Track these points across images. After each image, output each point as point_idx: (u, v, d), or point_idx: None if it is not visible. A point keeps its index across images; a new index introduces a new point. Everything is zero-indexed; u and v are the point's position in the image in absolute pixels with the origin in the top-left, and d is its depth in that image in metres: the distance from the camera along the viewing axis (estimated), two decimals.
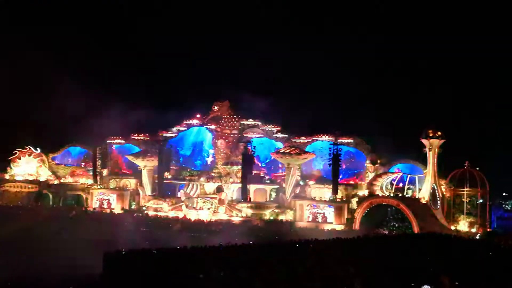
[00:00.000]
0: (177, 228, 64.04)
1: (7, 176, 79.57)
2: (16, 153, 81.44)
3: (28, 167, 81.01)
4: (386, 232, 62.63)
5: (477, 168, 65.36)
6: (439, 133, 64.62)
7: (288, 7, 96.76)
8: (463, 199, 64.74)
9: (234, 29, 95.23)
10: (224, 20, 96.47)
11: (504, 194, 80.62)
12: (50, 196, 77.66)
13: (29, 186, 77.80)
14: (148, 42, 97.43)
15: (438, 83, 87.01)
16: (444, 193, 65.72)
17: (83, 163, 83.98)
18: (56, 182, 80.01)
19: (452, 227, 62.79)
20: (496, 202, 74.20)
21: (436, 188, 64.68)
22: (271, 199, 73.72)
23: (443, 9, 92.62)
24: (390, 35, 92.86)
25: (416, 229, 61.49)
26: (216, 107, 79.78)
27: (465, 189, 64.57)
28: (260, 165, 77.99)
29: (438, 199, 64.62)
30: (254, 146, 72.26)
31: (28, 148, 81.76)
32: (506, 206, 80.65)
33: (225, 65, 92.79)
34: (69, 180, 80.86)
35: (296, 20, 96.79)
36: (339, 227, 65.02)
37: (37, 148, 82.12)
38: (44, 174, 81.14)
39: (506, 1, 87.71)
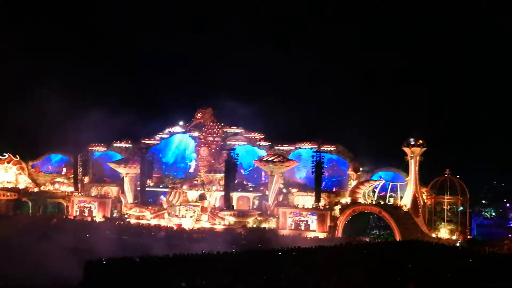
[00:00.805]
0: (162, 235, 63.51)
1: None
2: None
3: (7, 175, 79.65)
4: (368, 239, 62.92)
5: (457, 176, 66.21)
6: (421, 141, 65.38)
7: (272, 13, 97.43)
8: (443, 207, 65.45)
9: (218, 35, 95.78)
10: (210, 26, 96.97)
11: (483, 201, 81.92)
12: (30, 204, 76.44)
13: (8, 194, 76.47)
14: (131, 48, 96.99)
15: (420, 90, 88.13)
16: (425, 200, 66.37)
17: (64, 168, 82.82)
18: (36, 189, 78.81)
19: (433, 235, 63.38)
20: (476, 210, 75.30)
21: (417, 196, 65.29)
22: (254, 206, 73.63)
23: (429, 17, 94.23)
24: (374, 41, 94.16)
25: (398, 237, 62.01)
26: (199, 114, 79.49)
27: (445, 197, 65.31)
28: (243, 172, 77.91)
29: (420, 206, 65.21)
30: (237, 154, 72.24)
31: (7, 156, 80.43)
32: (486, 213, 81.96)
33: (209, 72, 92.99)
34: (49, 187, 79.70)
35: (281, 25, 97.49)
36: (322, 235, 65.18)
37: (16, 156, 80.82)
38: (24, 182, 79.89)
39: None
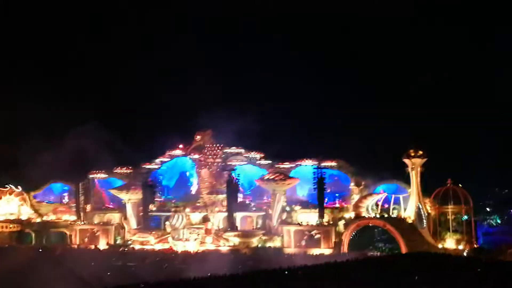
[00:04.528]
0: (179, 261, 62.80)
1: None
2: None
3: (9, 207, 79.35)
4: (375, 253, 62.47)
5: (460, 185, 66.08)
6: (421, 152, 65.40)
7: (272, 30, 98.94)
8: (448, 217, 65.17)
9: (213, 55, 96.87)
10: (207, 46, 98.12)
11: (488, 209, 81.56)
12: (33, 235, 75.99)
13: (11, 226, 76.07)
14: (129, 73, 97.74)
15: (418, 102, 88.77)
16: (429, 211, 66.10)
17: (66, 197, 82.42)
18: (38, 220, 78.42)
19: (440, 245, 62.98)
20: (481, 218, 74.89)
21: (421, 207, 65.06)
22: (258, 226, 73.25)
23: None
24: (370, 56, 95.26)
25: (403, 249, 61.59)
26: (198, 137, 79.69)
27: (449, 207, 65.07)
28: (244, 192, 77.62)
29: (424, 217, 64.93)
30: (238, 174, 72.09)
31: (8, 187, 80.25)
32: (491, 221, 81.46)
33: (207, 92, 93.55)
34: (51, 217, 79.33)
35: (278, 43, 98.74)
36: (328, 251, 64.76)
37: (18, 187, 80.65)
38: (26, 213, 79.51)
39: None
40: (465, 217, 64.64)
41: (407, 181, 67.20)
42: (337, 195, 74.87)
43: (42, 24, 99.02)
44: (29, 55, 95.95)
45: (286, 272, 37.25)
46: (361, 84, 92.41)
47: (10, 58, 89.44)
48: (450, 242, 63.77)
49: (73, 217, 77.82)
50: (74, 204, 78.53)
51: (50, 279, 49.06)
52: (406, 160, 65.69)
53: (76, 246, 73.20)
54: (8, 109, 79.04)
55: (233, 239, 68.93)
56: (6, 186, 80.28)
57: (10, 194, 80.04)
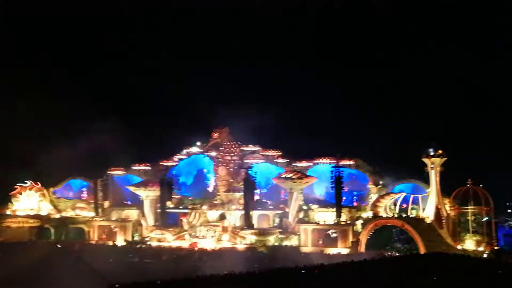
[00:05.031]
0: (195, 258, 62.99)
1: (8, 212, 78.71)
2: (16, 188, 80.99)
3: (29, 202, 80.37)
4: (392, 253, 61.85)
5: (480, 185, 65.00)
6: (440, 151, 64.54)
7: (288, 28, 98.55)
8: (468, 218, 64.11)
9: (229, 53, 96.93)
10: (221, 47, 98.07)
11: (509, 210, 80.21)
12: (52, 230, 76.95)
13: (31, 221, 77.08)
14: (144, 73, 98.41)
15: (438, 101, 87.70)
16: (449, 211, 65.17)
17: (84, 192, 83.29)
18: (57, 216, 79.37)
19: (459, 247, 62.07)
20: (501, 219, 73.68)
21: (440, 207, 64.17)
22: (275, 224, 73.07)
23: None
24: (389, 55, 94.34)
25: (422, 250, 60.86)
26: (216, 134, 79.73)
27: (469, 207, 63.98)
28: (261, 190, 77.47)
29: (443, 218, 64.05)
30: (255, 172, 71.98)
31: (29, 183, 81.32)
32: (511, 223, 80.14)
33: (224, 91, 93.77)
34: (70, 213, 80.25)
35: (295, 41, 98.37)
36: (345, 251, 64.33)
37: (38, 182, 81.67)
38: (46, 208, 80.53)
39: None
40: (486, 218, 63.50)
41: (426, 181, 66.37)
42: (354, 193, 74.43)
43: (56, 25, 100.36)
44: (41, 54, 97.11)
45: (303, 271, 36.96)
46: (377, 84, 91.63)
47: (19, 57, 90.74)
48: (469, 243, 62.77)
49: (92, 213, 78.65)
50: (93, 201, 79.36)
51: (68, 274, 49.59)
52: (426, 159, 64.87)
53: (94, 242, 73.91)
54: (27, 107, 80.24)
55: (250, 237, 68.85)
56: (27, 182, 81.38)
57: (30, 190, 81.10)
